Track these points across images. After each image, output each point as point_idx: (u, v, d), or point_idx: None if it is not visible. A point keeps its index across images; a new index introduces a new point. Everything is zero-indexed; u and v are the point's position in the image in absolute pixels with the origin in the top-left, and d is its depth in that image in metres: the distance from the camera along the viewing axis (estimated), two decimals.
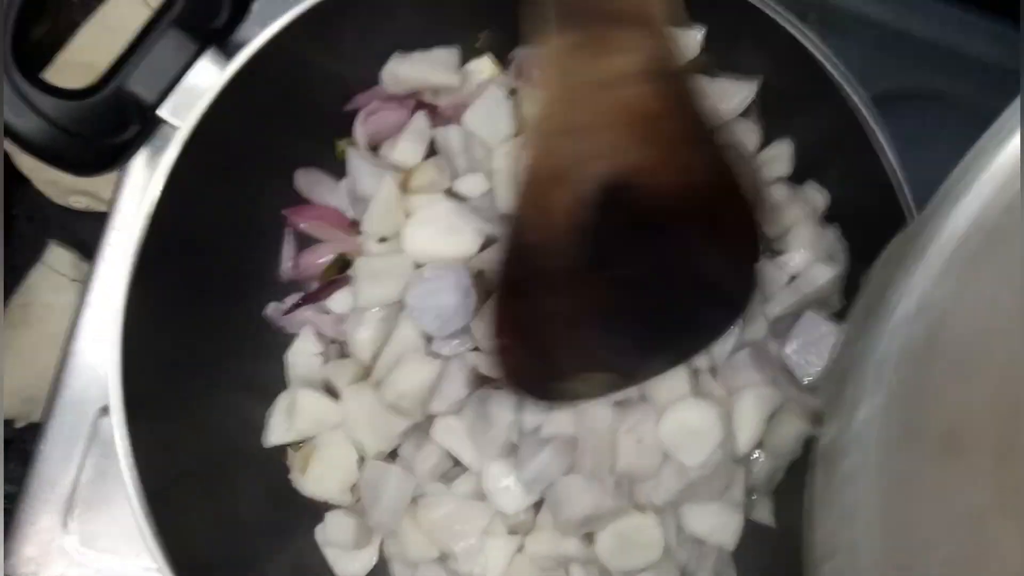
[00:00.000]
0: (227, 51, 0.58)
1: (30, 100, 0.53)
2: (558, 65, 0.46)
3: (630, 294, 0.52)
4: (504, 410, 0.59)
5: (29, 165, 0.99)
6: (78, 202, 1.00)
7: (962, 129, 0.82)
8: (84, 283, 0.76)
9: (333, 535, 0.65)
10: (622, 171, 0.47)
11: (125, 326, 0.56)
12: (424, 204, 0.64)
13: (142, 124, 0.57)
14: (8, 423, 1.04)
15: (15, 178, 1.01)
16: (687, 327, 0.56)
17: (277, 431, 0.67)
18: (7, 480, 1.04)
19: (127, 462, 0.56)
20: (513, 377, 0.55)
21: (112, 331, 0.56)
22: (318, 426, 0.65)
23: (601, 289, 0.51)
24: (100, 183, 1.01)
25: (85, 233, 1.04)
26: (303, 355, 0.67)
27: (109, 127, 0.56)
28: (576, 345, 0.53)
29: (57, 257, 0.98)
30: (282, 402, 0.67)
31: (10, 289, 0.99)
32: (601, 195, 0.47)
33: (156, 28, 0.56)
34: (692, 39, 0.65)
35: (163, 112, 0.57)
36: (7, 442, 1.08)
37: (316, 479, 0.65)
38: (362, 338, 0.64)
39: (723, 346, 0.62)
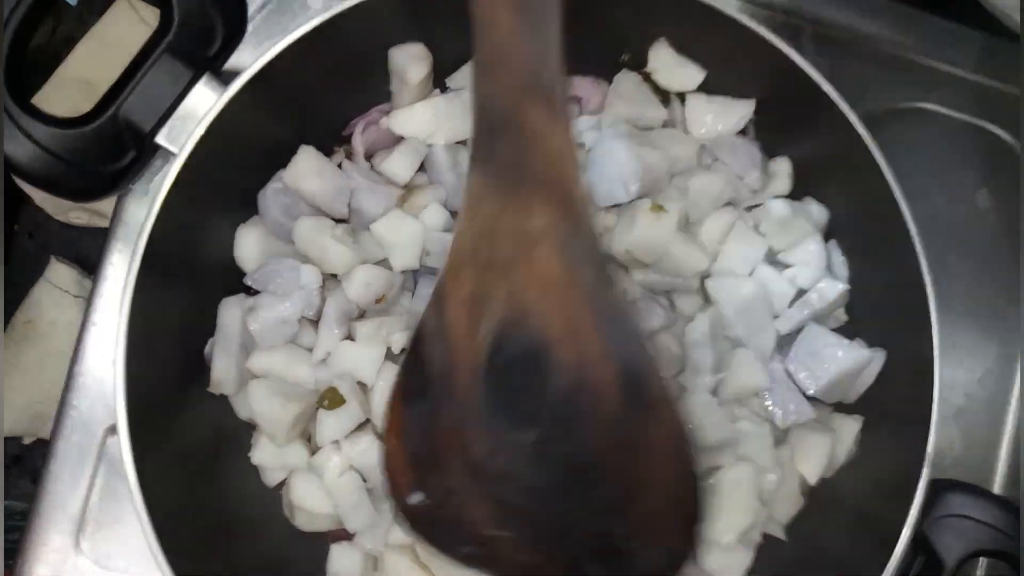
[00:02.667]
0: (223, 77, 0.58)
1: (24, 128, 0.53)
2: (481, 205, 0.47)
3: (533, 469, 0.48)
4: None
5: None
6: (78, 218, 1.00)
7: (953, 144, 0.85)
8: (87, 302, 0.76)
9: (339, 567, 0.65)
10: (523, 317, 0.47)
11: (128, 348, 0.56)
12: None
13: (138, 151, 0.57)
14: (16, 439, 1.04)
15: (15, 194, 1.01)
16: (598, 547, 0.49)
17: (265, 474, 0.67)
18: (17, 497, 1.05)
19: (135, 483, 0.56)
20: (395, 496, 0.50)
21: (116, 353, 0.56)
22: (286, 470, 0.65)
23: (499, 449, 0.48)
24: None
25: (86, 248, 1.05)
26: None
27: (105, 154, 0.56)
28: (465, 487, 0.49)
29: (59, 273, 0.98)
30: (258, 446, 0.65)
31: (14, 306, 0.99)
32: (501, 334, 0.47)
33: (150, 55, 0.56)
34: (692, 75, 0.66)
35: (159, 139, 0.57)
36: (16, 458, 1.08)
37: (305, 522, 0.65)
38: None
39: None
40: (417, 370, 0.49)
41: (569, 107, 0.46)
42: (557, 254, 0.46)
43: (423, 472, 0.49)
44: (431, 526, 0.50)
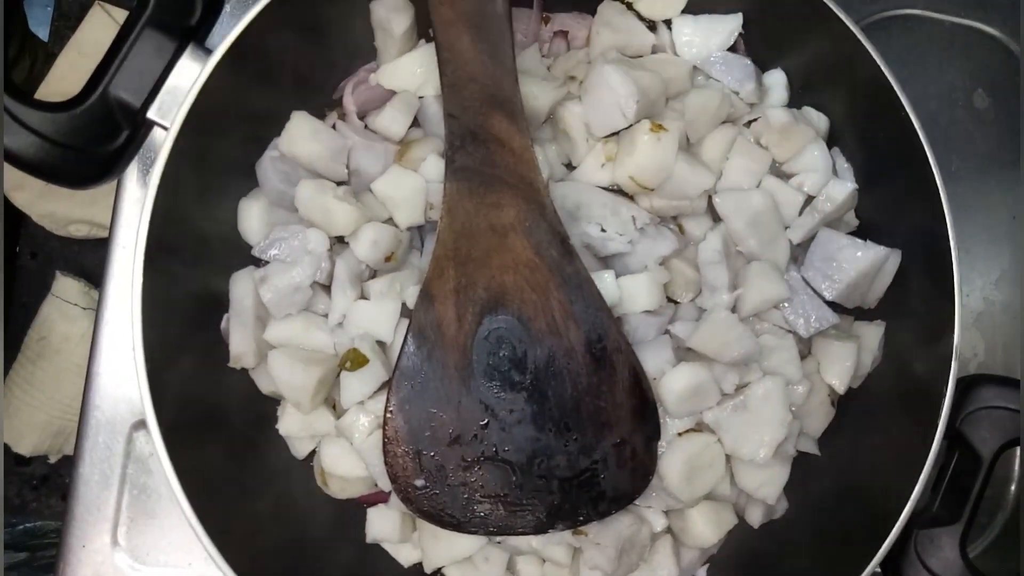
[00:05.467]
0: (208, 48, 0.58)
1: (19, 117, 0.53)
2: (459, 208, 0.56)
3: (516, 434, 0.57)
4: None
5: (25, 200, 0.99)
6: (78, 230, 1.00)
7: (944, 47, 0.84)
8: (97, 303, 0.76)
9: (379, 531, 0.65)
10: (502, 299, 0.56)
11: (145, 334, 0.56)
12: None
13: (132, 129, 0.56)
14: (42, 459, 1.05)
15: (14, 215, 1.01)
16: (574, 489, 0.58)
17: (294, 445, 0.67)
18: (50, 516, 1.06)
19: (171, 472, 0.55)
20: (398, 484, 0.58)
21: (134, 340, 0.56)
22: (314, 439, 0.65)
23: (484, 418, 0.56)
24: (97, 210, 1.01)
25: (89, 261, 1.05)
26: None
27: (100, 135, 0.55)
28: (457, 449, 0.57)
29: (65, 287, 0.98)
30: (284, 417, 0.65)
31: (25, 325, 0.99)
32: (485, 317, 0.56)
33: (131, 32, 0.56)
34: (673, 1, 0.66)
35: (151, 114, 0.56)
36: (43, 478, 1.09)
37: (340, 489, 0.65)
38: None
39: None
40: (411, 364, 0.57)
41: (524, 114, 0.55)
42: (526, 239, 0.56)
43: (423, 458, 0.57)
44: (434, 508, 0.58)
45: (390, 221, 0.64)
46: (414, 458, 0.57)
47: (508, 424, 0.57)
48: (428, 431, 0.57)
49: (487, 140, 0.55)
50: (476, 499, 0.58)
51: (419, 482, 0.57)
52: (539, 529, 0.58)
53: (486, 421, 0.57)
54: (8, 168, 1.02)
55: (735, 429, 0.60)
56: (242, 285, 0.62)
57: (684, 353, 0.62)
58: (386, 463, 0.58)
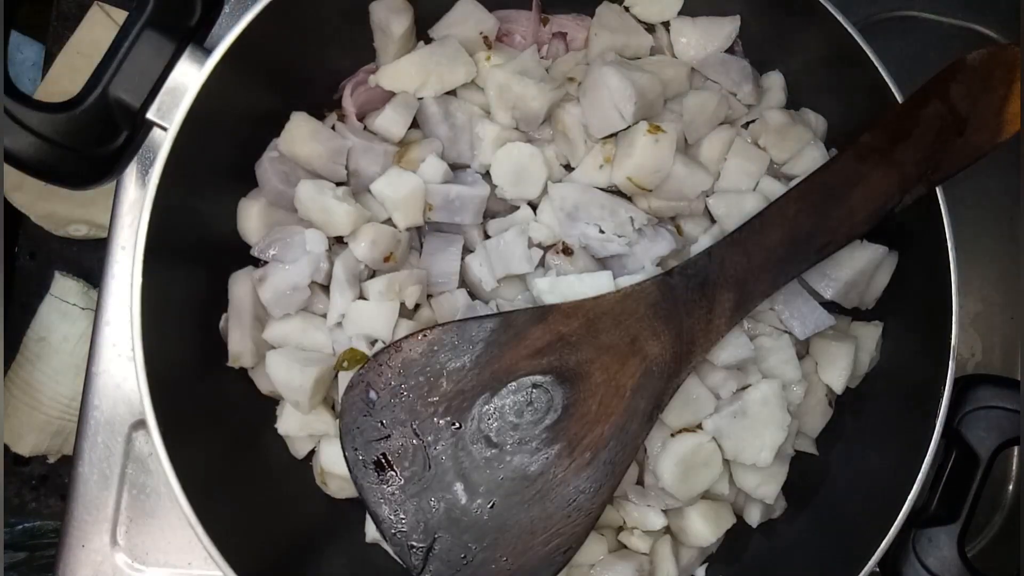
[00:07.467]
0: (207, 48, 0.58)
1: (18, 118, 0.53)
2: (643, 298, 0.57)
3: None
4: None
5: (24, 201, 0.99)
6: (77, 230, 1.00)
7: (943, 49, 0.84)
8: (96, 303, 0.76)
9: (376, 532, 0.64)
10: (573, 374, 0.56)
11: (144, 333, 0.56)
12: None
13: (131, 129, 0.56)
14: (41, 459, 1.05)
15: (13, 216, 1.01)
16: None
17: (293, 445, 0.67)
18: (48, 516, 1.06)
19: (170, 471, 0.55)
20: (350, 469, 0.57)
21: (134, 339, 0.56)
22: (313, 439, 0.65)
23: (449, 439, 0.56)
24: (96, 210, 1.01)
25: (88, 261, 1.05)
26: None
27: (99, 135, 0.55)
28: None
29: (64, 287, 0.98)
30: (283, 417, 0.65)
31: (24, 325, 0.99)
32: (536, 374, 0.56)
33: (131, 32, 0.56)
34: (670, 4, 0.66)
35: (150, 115, 0.57)
36: (42, 478, 1.09)
37: (339, 489, 0.65)
38: None
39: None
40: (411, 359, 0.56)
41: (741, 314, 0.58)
42: (638, 367, 0.56)
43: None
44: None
45: (389, 222, 0.64)
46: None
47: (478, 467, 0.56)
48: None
49: (708, 297, 0.57)
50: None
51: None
52: None
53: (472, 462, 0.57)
54: (8, 168, 1.03)
55: (735, 435, 0.60)
56: (241, 285, 0.62)
57: None
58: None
